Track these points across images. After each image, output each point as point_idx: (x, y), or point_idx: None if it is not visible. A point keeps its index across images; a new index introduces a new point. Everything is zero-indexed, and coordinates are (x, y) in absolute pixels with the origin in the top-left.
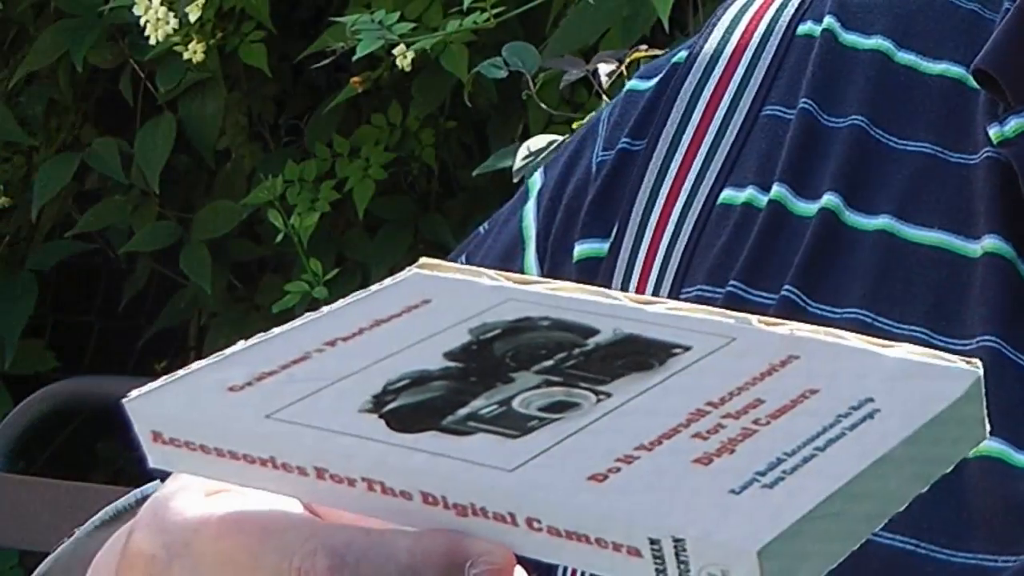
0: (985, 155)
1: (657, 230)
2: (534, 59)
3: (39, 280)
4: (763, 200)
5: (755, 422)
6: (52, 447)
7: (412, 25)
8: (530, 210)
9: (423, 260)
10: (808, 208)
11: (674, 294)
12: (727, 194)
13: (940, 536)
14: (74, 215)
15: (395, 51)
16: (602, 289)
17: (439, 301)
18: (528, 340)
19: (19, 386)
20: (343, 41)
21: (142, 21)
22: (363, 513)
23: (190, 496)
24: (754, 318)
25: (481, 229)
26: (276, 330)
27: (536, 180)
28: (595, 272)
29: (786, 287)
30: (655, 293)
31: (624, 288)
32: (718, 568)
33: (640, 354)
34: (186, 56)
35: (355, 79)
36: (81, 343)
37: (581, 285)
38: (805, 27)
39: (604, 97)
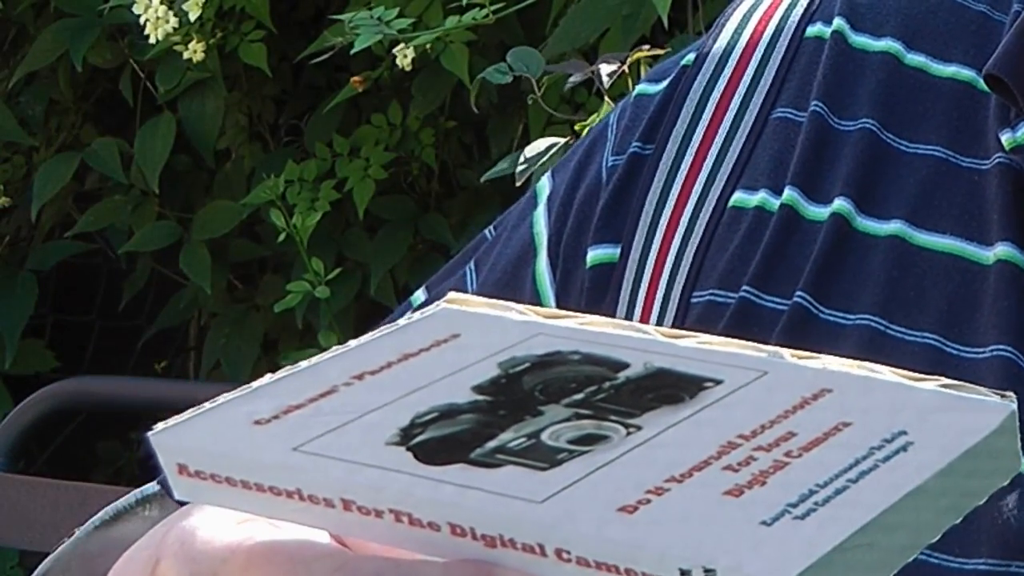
0: (997, 161)
1: (667, 233)
2: (538, 63)
3: (39, 280)
4: (775, 204)
5: (787, 454)
6: (52, 447)
7: (411, 21)
8: (541, 216)
9: (452, 295)
10: (819, 212)
11: (685, 298)
12: (738, 197)
13: (952, 545)
14: (74, 215)
15: (395, 50)
16: (633, 324)
17: (468, 336)
18: (558, 374)
19: (19, 386)
20: (341, 36)
21: (142, 20)
22: (391, 544)
23: (218, 526)
24: (787, 352)
25: (487, 234)
26: (303, 363)
27: (545, 185)
28: (608, 277)
29: (798, 293)
30: (665, 297)
31: (634, 292)
32: None
33: (671, 387)
34: (186, 56)
35: (355, 79)
36: (81, 343)
37: (612, 319)
38: (814, 28)
39: (605, 97)
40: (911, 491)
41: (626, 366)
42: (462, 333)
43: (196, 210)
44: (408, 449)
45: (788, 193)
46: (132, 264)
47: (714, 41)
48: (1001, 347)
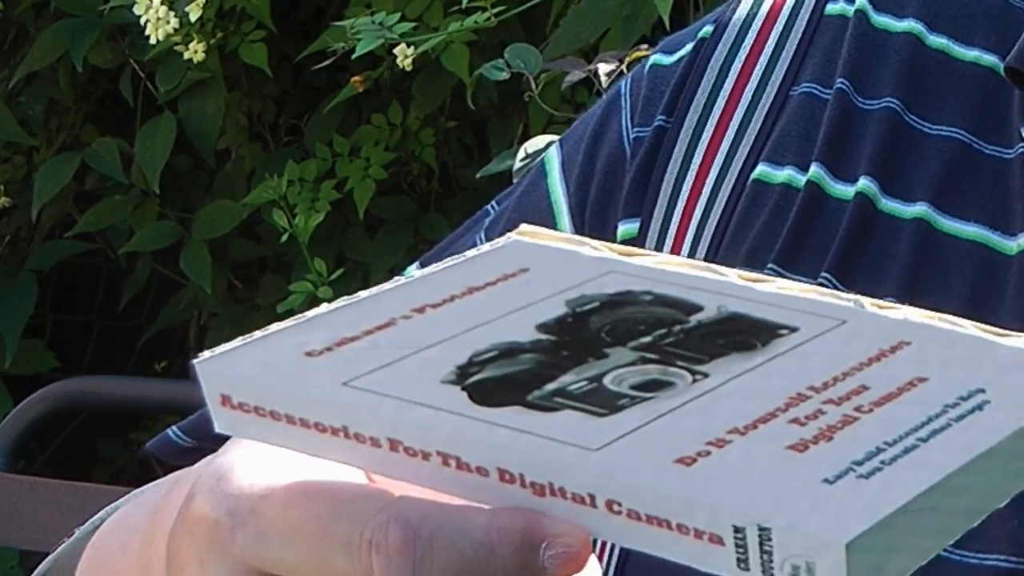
0: (1020, 151)
1: (688, 204)
2: (536, 60)
3: (39, 280)
4: (801, 180)
5: (857, 409)
6: (52, 447)
7: (412, 25)
8: (556, 184)
9: (523, 227)
10: (845, 191)
11: None
12: (762, 170)
13: (970, 540)
14: (74, 215)
15: (396, 50)
16: (711, 265)
17: (538, 270)
18: (627, 315)
19: (19, 386)
20: (343, 41)
21: (142, 21)
22: (435, 488)
23: (256, 463)
24: (867, 301)
25: (490, 208)
26: (363, 293)
27: (553, 155)
28: None
29: (823, 273)
30: None
31: None
32: (803, 560)
33: (743, 334)
34: (186, 56)
35: (355, 78)
36: (81, 343)
37: (688, 260)
38: (836, 6)
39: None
40: (982, 453)
41: (699, 309)
42: (531, 267)
43: (196, 210)
44: (463, 388)
45: (814, 170)
46: (132, 264)
47: (733, 12)
48: None
